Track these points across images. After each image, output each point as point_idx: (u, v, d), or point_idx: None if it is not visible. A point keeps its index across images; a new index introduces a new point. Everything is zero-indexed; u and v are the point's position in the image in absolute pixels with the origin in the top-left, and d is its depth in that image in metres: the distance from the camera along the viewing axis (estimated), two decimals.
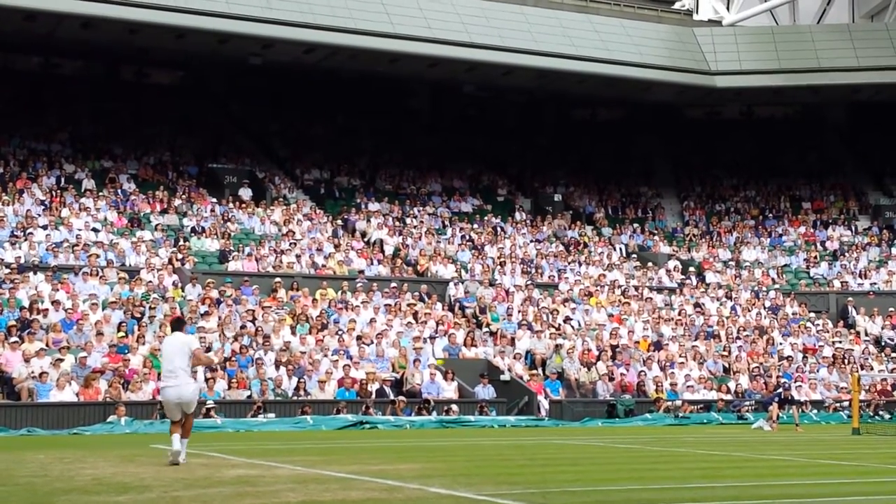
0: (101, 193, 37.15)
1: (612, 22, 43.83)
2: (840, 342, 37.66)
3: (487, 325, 34.31)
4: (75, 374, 26.51)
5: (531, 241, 41.95)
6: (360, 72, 43.05)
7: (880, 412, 33.21)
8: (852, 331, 39.05)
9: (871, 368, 35.90)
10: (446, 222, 42.01)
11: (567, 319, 35.10)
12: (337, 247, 37.20)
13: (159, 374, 27.10)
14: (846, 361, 35.92)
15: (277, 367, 29.01)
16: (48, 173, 37.75)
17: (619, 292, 38.30)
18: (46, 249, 32.41)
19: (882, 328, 39.30)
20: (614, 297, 37.74)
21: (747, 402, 32.28)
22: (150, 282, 31.68)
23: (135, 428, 24.74)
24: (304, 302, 32.77)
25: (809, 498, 12.02)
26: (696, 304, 38.74)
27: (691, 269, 42.08)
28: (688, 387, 32.83)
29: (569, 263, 40.40)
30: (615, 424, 29.74)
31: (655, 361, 33.74)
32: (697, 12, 50.22)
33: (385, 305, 33.62)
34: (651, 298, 38.46)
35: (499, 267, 38.41)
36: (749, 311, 39.10)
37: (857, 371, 33.35)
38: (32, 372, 26.13)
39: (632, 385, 32.49)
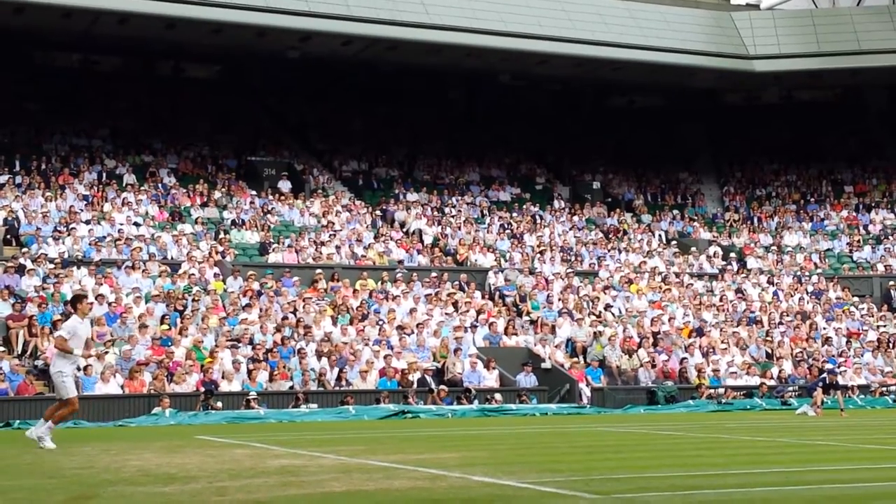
0: (142, 188, 37.45)
1: (650, 8, 43.55)
2: (884, 326, 37.31)
3: (528, 313, 34.29)
4: (120, 366, 26.77)
5: (570, 229, 41.85)
6: (398, 63, 43.07)
7: None
8: None
9: None
10: (485, 211, 41.98)
11: (608, 307, 35.00)
12: (376, 237, 37.30)
13: (202, 366, 27.53)
14: (891, 345, 35.59)
15: (319, 358, 29.13)
16: (90, 169, 38.10)
17: (660, 279, 38.14)
18: (89, 244, 32.71)
19: None
20: (655, 284, 37.60)
21: (790, 388, 32.07)
22: (192, 275, 31.90)
23: (179, 419, 24.94)
24: (344, 293, 32.89)
25: (855, 483, 11.93)
26: (738, 290, 38.52)
27: (732, 254, 41.83)
28: (730, 373, 32.66)
29: (608, 251, 40.29)
30: (657, 411, 29.64)
31: (697, 348, 33.57)
32: None
33: (425, 295, 33.67)
34: (692, 285, 38.30)
35: (538, 255, 38.36)
36: (791, 296, 38.81)
37: None
38: (78, 365, 26.38)
39: (674, 372, 32.37)
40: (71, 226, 33.49)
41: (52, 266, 30.77)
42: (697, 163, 51.14)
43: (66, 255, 31.91)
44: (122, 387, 26.44)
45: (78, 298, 17.52)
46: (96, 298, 29.30)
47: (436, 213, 40.72)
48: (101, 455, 15.49)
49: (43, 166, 37.56)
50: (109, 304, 29.27)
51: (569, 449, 16.89)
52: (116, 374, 26.48)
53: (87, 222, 34.15)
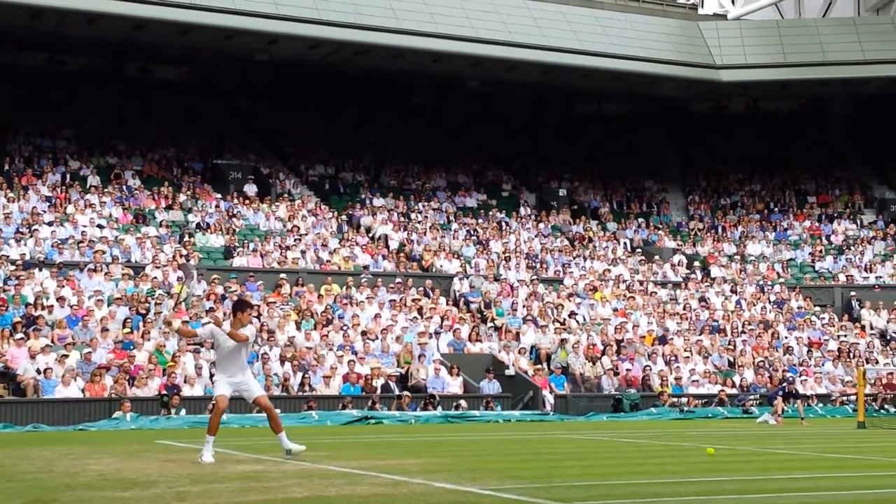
0: (106, 190, 37.18)
1: (618, 16, 43.78)
2: (845, 336, 37.62)
3: (492, 319, 34.32)
4: (81, 370, 26.55)
5: (536, 236, 41.93)
6: (365, 67, 43.02)
7: (886, 406, 33.17)
8: (857, 325, 39.03)
9: (877, 362, 35.88)
10: (451, 217, 41.99)
11: (572, 314, 35.08)
12: (342, 242, 37.22)
13: (164, 370, 27.33)
14: (851, 355, 35.88)
15: (282, 363, 29.03)
16: (53, 170, 37.79)
17: (624, 287, 38.28)
18: (52, 246, 32.45)
19: (887, 322, 39.23)
20: (619, 292, 37.73)
21: (752, 396, 32.25)
22: (155, 278, 31.71)
23: (140, 424, 24.76)
24: (308, 297, 32.79)
25: (815, 491, 12.01)
26: (702, 299, 38.72)
27: (696, 263, 42.04)
28: (693, 381, 32.81)
29: (574, 258, 40.39)
30: (620, 419, 29.75)
31: (660, 356, 33.73)
32: (702, 6, 50.13)
33: (390, 301, 33.63)
34: (656, 293, 38.45)
35: (503, 262, 38.41)
36: (754, 305, 39.05)
37: (863, 365, 33.33)
38: (38, 368, 26.18)
39: (637, 379, 32.48)
40: (33, 227, 33.21)
41: (13, 268, 30.49)
42: (663, 171, 51.39)
43: (27, 257, 31.65)
44: (82, 390, 26.23)
45: (240, 306, 15.31)
46: (58, 301, 29.10)
47: (402, 218, 40.69)
48: (60, 459, 15.37)
49: (6, 167, 37.23)
50: (71, 306, 29.05)
51: (531, 456, 16.91)
52: (77, 377, 26.26)
53: (50, 224, 33.87)
